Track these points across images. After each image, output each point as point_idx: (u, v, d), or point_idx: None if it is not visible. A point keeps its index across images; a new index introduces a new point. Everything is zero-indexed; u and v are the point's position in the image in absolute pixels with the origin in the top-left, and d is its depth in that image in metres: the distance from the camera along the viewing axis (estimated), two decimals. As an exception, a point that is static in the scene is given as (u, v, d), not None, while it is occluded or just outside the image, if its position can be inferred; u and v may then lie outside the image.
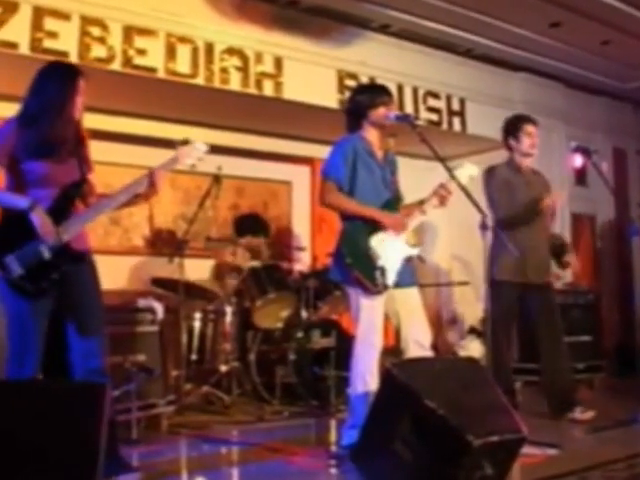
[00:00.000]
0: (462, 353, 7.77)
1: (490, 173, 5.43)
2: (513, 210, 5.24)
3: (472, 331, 8.08)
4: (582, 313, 6.88)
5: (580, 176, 8.87)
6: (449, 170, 4.29)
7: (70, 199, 3.56)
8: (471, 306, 8.42)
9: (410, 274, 4.33)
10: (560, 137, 8.64)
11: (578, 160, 5.09)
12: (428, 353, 4.22)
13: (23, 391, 2.77)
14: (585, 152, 5.08)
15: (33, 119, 3.48)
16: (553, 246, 5.76)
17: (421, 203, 4.42)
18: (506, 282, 5.22)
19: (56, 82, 3.56)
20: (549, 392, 5.36)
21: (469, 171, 4.49)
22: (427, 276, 8.59)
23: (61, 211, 3.49)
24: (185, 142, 3.86)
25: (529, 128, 5.40)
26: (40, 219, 3.38)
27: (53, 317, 3.52)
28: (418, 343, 4.18)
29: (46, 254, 3.39)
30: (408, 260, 4.30)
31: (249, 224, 7.21)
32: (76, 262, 3.51)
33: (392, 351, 4.76)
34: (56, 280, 3.43)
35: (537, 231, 5.36)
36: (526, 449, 3.45)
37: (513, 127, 5.46)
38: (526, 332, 5.49)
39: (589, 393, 6.51)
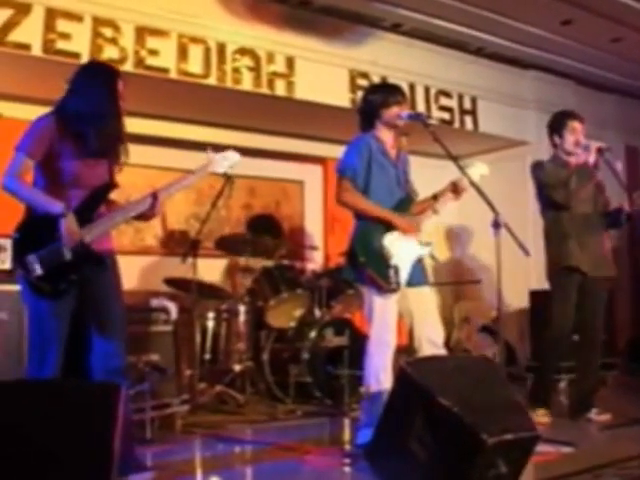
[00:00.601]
0: (475, 351, 7.76)
1: (539, 164, 5.31)
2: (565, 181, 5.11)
3: (485, 329, 8.06)
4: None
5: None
6: (461, 169, 4.30)
7: (98, 201, 3.56)
8: (483, 304, 8.42)
9: (422, 273, 4.34)
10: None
11: (590, 158, 5.03)
12: (442, 352, 4.22)
13: (38, 391, 2.78)
14: (598, 150, 5.04)
15: (78, 118, 3.45)
16: None
17: (434, 198, 4.44)
18: (573, 268, 5.12)
19: (100, 82, 3.56)
20: (576, 389, 5.33)
21: (480, 170, 4.50)
22: (440, 274, 8.58)
23: (87, 213, 3.49)
24: (218, 149, 3.87)
25: (574, 124, 5.24)
26: (69, 226, 3.37)
27: (74, 318, 3.53)
28: (431, 342, 4.18)
29: (67, 255, 3.39)
30: (420, 259, 4.30)
31: (262, 224, 7.22)
32: (97, 264, 3.51)
33: (405, 350, 4.76)
34: (75, 281, 3.43)
35: (598, 223, 5.29)
36: (540, 447, 3.44)
37: (558, 123, 5.31)
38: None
39: (603, 391, 6.46)
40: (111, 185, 3.64)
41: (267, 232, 7.07)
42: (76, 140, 3.45)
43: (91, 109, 3.47)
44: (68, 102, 3.53)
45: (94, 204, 3.54)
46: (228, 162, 3.91)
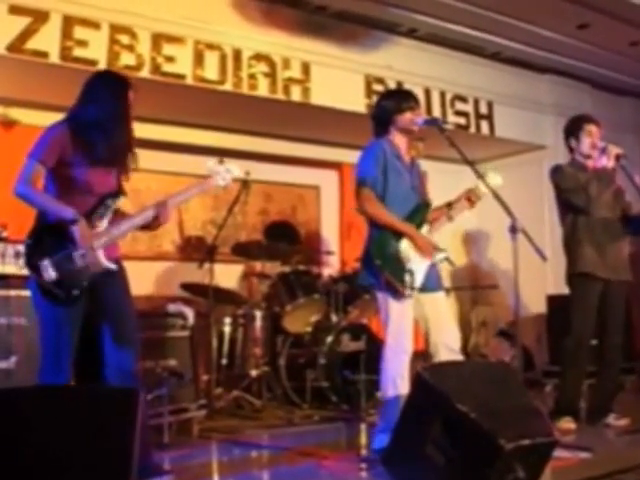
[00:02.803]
0: (492, 356, 7.74)
1: (558, 168, 5.28)
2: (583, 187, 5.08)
3: (502, 334, 8.04)
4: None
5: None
6: (478, 173, 4.29)
7: (105, 208, 3.59)
8: (501, 309, 8.39)
9: (436, 278, 4.33)
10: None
11: (610, 162, 5.01)
12: (459, 357, 4.21)
13: (57, 396, 2.80)
14: (615, 156, 5.01)
15: (90, 127, 3.49)
16: None
17: (449, 206, 4.42)
18: (590, 275, 5.09)
19: (112, 92, 3.60)
20: (595, 393, 5.30)
21: (493, 180, 4.48)
22: (457, 279, 8.58)
23: (95, 220, 3.52)
24: (220, 162, 3.89)
25: (590, 127, 5.22)
26: (81, 232, 3.41)
27: (84, 323, 3.56)
28: (448, 347, 4.17)
29: (79, 262, 3.43)
30: (435, 264, 4.30)
31: (280, 231, 7.24)
32: (107, 270, 3.54)
33: (422, 355, 4.75)
34: (86, 287, 3.47)
35: (617, 227, 5.25)
36: (558, 452, 3.43)
37: (574, 127, 5.29)
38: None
39: (621, 395, 6.43)
40: (119, 193, 3.67)
41: (284, 239, 7.08)
42: (86, 148, 3.48)
43: (102, 118, 3.52)
44: (80, 110, 3.58)
45: (101, 212, 3.57)
46: (230, 175, 3.91)
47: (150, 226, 3.75)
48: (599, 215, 5.14)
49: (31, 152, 3.46)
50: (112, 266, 3.54)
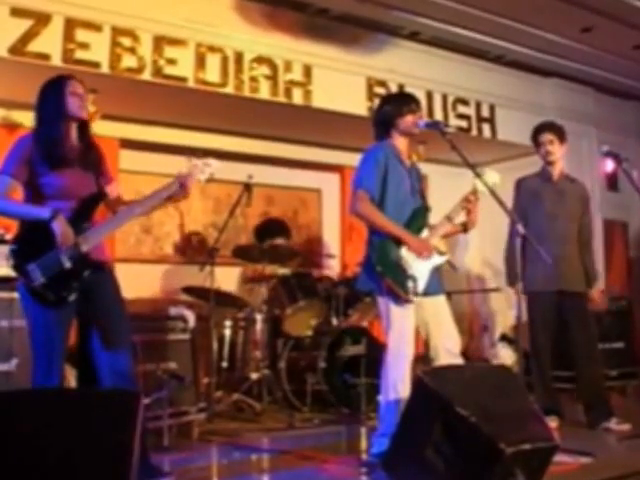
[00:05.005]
0: (494, 360, 7.72)
1: (518, 185, 5.46)
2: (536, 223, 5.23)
3: (504, 338, 8.03)
4: (615, 320, 6.83)
5: (612, 181, 8.80)
6: (479, 177, 4.27)
7: (88, 210, 3.62)
8: (503, 313, 8.38)
9: (438, 282, 4.31)
10: (591, 142, 8.57)
11: (609, 165, 5.01)
12: (459, 361, 4.19)
13: (57, 398, 2.80)
14: (616, 158, 5.01)
15: (39, 130, 3.57)
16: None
17: (448, 219, 4.39)
18: (539, 292, 5.22)
19: (49, 91, 3.63)
20: (584, 400, 5.31)
21: (491, 178, 4.46)
22: (458, 283, 8.56)
23: (80, 222, 3.55)
24: (199, 156, 3.88)
25: (542, 137, 5.36)
26: (61, 228, 3.44)
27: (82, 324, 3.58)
28: (449, 351, 4.16)
29: (67, 263, 3.45)
30: (436, 268, 4.28)
31: (268, 228, 7.22)
32: (96, 271, 3.56)
33: (422, 359, 4.74)
34: (76, 289, 3.48)
35: (569, 241, 5.33)
36: (559, 457, 3.42)
37: (533, 138, 5.45)
38: (558, 339, 5.42)
39: (622, 400, 6.43)
40: (99, 195, 3.70)
41: (276, 235, 7.06)
42: (45, 152, 3.52)
43: (46, 120, 3.58)
44: (35, 118, 3.65)
45: (85, 214, 3.60)
46: (210, 169, 3.89)
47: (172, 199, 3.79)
48: (549, 226, 5.25)
49: (2, 167, 3.52)
50: (102, 267, 3.58)
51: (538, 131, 5.43)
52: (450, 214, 4.35)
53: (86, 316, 3.62)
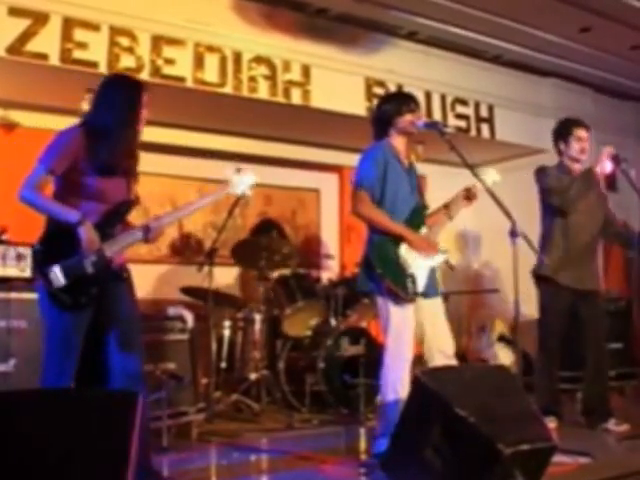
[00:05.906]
0: (492, 361, 7.72)
1: (542, 170, 5.31)
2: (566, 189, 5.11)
3: (502, 339, 8.02)
4: (613, 320, 6.79)
5: (611, 181, 8.78)
6: (478, 177, 4.28)
7: (119, 216, 3.58)
8: (501, 314, 8.37)
9: (434, 283, 4.31)
10: (590, 143, 8.53)
11: (608, 165, 5.00)
12: (453, 362, 4.19)
13: (56, 399, 2.79)
14: (614, 158, 5.00)
15: (106, 133, 3.45)
16: None
17: (446, 207, 4.41)
18: (550, 280, 5.13)
19: (126, 96, 3.55)
20: (587, 400, 5.29)
21: (491, 177, 4.47)
22: (457, 283, 8.55)
23: (108, 228, 3.50)
24: (238, 171, 3.89)
25: (579, 132, 5.26)
26: (87, 234, 3.37)
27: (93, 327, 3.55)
28: (443, 353, 4.16)
29: (89, 269, 3.40)
30: (434, 269, 4.28)
31: (260, 229, 7.23)
32: (116, 278, 3.53)
33: (418, 360, 4.74)
34: (95, 295, 3.45)
35: (594, 240, 5.30)
36: (557, 457, 3.41)
37: (564, 130, 5.32)
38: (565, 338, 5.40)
39: (621, 401, 6.43)
40: (132, 201, 3.65)
41: (271, 235, 7.05)
42: (92, 154, 3.42)
43: (113, 125, 3.47)
44: (93, 116, 3.54)
45: (114, 220, 3.55)
46: (245, 185, 3.90)
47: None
48: (576, 220, 5.14)
49: (42, 157, 3.41)
50: (121, 273, 3.55)
51: (572, 125, 5.30)
52: (449, 203, 4.38)
53: (103, 320, 3.55)
